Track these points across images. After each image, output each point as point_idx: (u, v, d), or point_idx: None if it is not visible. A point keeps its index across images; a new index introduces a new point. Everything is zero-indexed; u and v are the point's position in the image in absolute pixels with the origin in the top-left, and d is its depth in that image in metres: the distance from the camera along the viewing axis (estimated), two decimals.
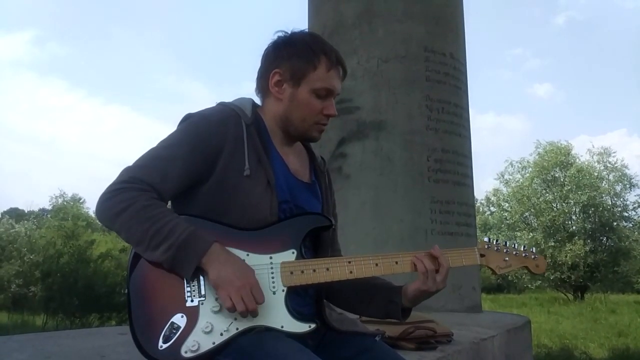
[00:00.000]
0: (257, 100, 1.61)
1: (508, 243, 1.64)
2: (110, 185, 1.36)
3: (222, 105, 1.53)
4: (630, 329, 11.51)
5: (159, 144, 1.45)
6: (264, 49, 1.58)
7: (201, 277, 1.35)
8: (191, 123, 1.47)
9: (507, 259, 1.62)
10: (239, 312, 1.29)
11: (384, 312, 1.58)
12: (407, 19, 4.74)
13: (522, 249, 1.65)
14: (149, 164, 1.40)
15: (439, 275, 1.49)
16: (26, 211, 33.48)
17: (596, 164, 25.31)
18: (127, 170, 1.40)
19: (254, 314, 1.31)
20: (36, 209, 34.65)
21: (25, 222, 25.50)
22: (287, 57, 1.52)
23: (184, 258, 1.31)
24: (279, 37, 1.57)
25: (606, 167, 25.21)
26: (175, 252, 1.30)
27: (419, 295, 1.52)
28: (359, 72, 4.64)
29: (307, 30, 1.62)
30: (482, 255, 1.60)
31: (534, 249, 1.67)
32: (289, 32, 1.57)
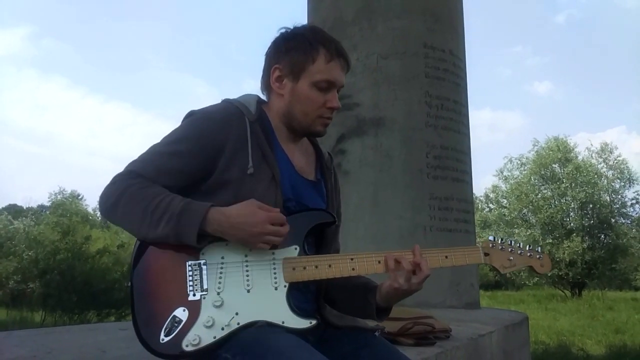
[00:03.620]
0: (263, 97, 1.60)
1: (513, 242, 1.59)
2: (110, 180, 1.40)
3: (226, 103, 1.53)
4: (627, 325, 11.54)
5: (162, 139, 1.46)
6: (268, 46, 1.57)
7: (203, 271, 1.36)
8: (194, 120, 1.47)
9: (512, 258, 1.57)
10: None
11: (362, 312, 1.56)
12: (406, 15, 4.74)
13: (527, 248, 1.60)
14: (147, 159, 1.43)
15: (415, 277, 1.43)
16: (25, 208, 33.45)
17: (594, 160, 25.39)
18: (127, 165, 1.43)
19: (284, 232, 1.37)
20: (35, 205, 34.60)
21: (24, 218, 25.41)
22: (285, 51, 1.52)
23: (185, 224, 1.32)
24: (281, 33, 1.56)
25: (606, 164, 25.27)
26: (175, 221, 1.32)
27: (392, 294, 1.47)
28: (358, 69, 4.64)
29: (308, 24, 1.61)
30: (486, 254, 1.56)
31: (539, 248, 1.63)
32: (292, 28, 1.56)
